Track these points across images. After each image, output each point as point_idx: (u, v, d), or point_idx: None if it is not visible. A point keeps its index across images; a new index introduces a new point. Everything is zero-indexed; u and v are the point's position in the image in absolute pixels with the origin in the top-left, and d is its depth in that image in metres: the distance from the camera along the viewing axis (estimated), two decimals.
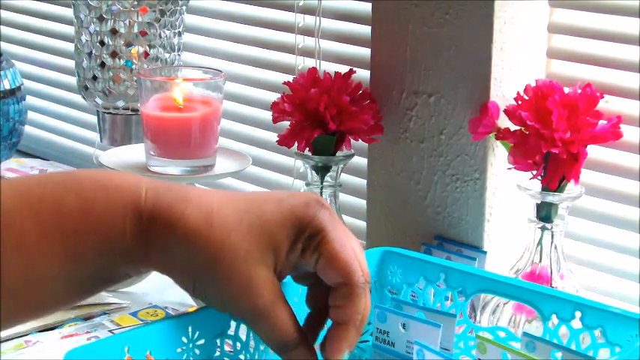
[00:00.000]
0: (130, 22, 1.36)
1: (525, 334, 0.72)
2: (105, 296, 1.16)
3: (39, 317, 0.66)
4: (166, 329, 0.66)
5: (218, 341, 0.69)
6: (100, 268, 0.63)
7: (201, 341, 0.67)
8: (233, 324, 0.69)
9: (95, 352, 0.62)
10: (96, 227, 0.61)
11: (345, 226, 0.65)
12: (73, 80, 1.56)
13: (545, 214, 0.99)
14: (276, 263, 0.63)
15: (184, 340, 0.67)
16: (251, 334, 0.70)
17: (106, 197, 0.62)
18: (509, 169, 1.02)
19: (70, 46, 1.62)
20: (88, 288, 0.64)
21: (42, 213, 0.61)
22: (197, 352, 0.67)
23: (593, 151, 1.02)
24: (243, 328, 0.69)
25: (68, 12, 1.55)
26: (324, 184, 1.16)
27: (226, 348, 0.69)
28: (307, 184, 1.17)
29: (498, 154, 1.09)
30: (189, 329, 0.67)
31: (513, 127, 1.01)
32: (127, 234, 0.62)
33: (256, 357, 0.70)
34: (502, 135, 1.02)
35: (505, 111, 1.02)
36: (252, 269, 0.61)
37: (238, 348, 0.70)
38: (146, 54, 1.37)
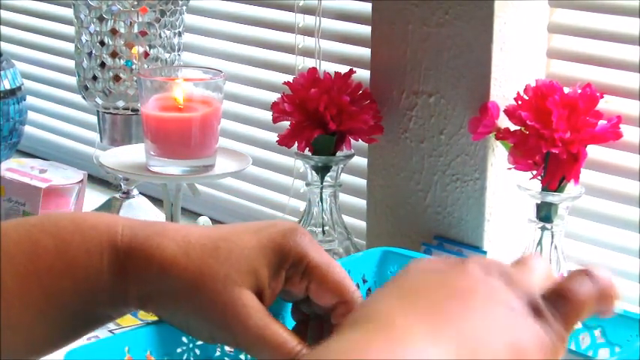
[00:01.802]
0: (130, 22, 1.36)
1: None
2: None
3: None
4: (167, 329, 0.66)
5: None
6: (78, 309, 0.62)
7: (201, 341, 0.67)
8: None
9: (95, 352, 0.62)
10: (72, 267, 0.61)
11: (320, 246, 0.64)
12: (73, 80, 1.56)
13: (545, 214, 0.99)
14: (257, 287, 0.61)
15: (184, 340, 0.67)
16: None
17: (82, 237, 0.62)
18: (509, 169, 1.02)
19: (70, 46, 1.62)
20: (69, 331, 0.64)
21: (18, 256, 0.61)
22: (197, 352, 0.67)
23: (593, 151, 1.02)
24: None
25: (68, 12, 1.55)
26: (324, 184, 1.16)
27: (226, 348, 0.69)
28: (307, 184, 1.17)
29: (498, 154, 1.09)
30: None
31: (513, 127, 1.01)
32: (104, 271, 0.61)
33: None
34: (502, 135, 1.02)
35: (505, 111, 1.02)
36: (234, 291, 0.60)
37: None
38: (146, 54, 1.37)
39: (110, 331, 1.08)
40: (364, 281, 0.77)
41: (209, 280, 0.60)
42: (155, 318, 0.65)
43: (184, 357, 0.67)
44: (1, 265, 0.60)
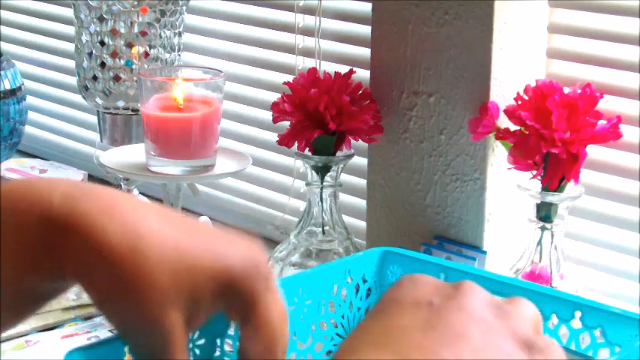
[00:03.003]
0: (130, 22, 1.36)
1: None
2: None
3: None
4: None
5: (218, 341, 0.68)
6: (21, 288, 0.58)
7: (201, 341, 0.67)
8: (233, 324, 0.68)
9: (95, 352, 0.62)
10: (5, 246, 0.56)
11: (275, 289, 0.59)
12: (73, 80, 1.56)
13: (545, 214, 0.99)
14: (190, 311, 0.57)
15: None
16: None
17: (12, 212, 0.57)
18: (509, 169, 1.02)
19: (70, 46, 1.62)
20: (15, 310, 0.60)
21: None
22: (197, 352, 0.67)
23: (593, 151, 1.02)
24: None
25: (68, 12, 1.55)
26: (324, 184, 1.16)
27: (226, 348, 0.69)
28: (307, 184, 1.17)
29: (498, 154, 1.09)
30: None
31: (513, 127, 1.01)
32: (37, 248, 0.56)
33: None
34: (502, 135, 1.02)
35: (505, 111, 1.02)
36: (165, 312, 0.55)
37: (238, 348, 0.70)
38: (146, 54, 1.37)
39: (110, 330, 1.08)
40: (364, 281, 0.77)
41: (144, 289, 0.55)
42: None
43: None
44: None
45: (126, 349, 0.63)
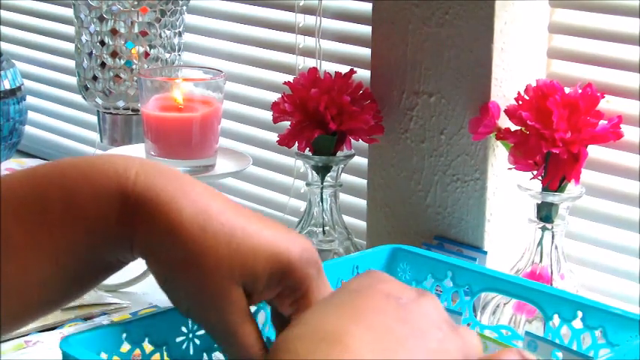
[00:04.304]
0: (130, 22, 1.36)
1: (528, 333, 0.72)
2: (105, 296, 1.16)
3: (42, 316, 0.65)
4: (166, 318, 0.66)
5: None
6: (91, 259, 0.62)
7: (202, 331, 0.68)
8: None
9: (93, 339, 0.62)
10: (81, 218, 0.60)
11: (327, 281, 0.63)
12: (73, 80, 1.56)
13: (545, 214, 0.99)
14: (249, 289, 0.61)
15: (184, 329, 0.67)
16: None
17: (90, 185, 0.60)
18: (510, 169, 1.02)
19: (70, 46, 1.62)
20: (83, 280, 0.63)
21: (26, 211, 0.60)
22: (197, 342, 0.68)
23: (594, 151, 1.02)
24: None
25: (68, 12, 1.55)
26: (324, 184, 1.16)
27: None
28: (307, 184, 1.17)
29: (499, 154, 1.09)
30: (189, 320, 0.67)
31: (514, 127, 1.01)
32: (112, 220, 0.60)
33: None
34: (502, 135, 1.02)
35: (505, 111, 1.02)
36: (228, 286, 0.60)
37: None
38: (146, 54, 1.37)
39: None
40: None
41: (212, 264, 0.59)
42: (153, 309, 0.65)
43: (184, 346, 0.67)
44: (10, 223, 0.60)
45: (123, 335, 0.64)
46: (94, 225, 0.60)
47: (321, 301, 0.58)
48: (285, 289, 0.61)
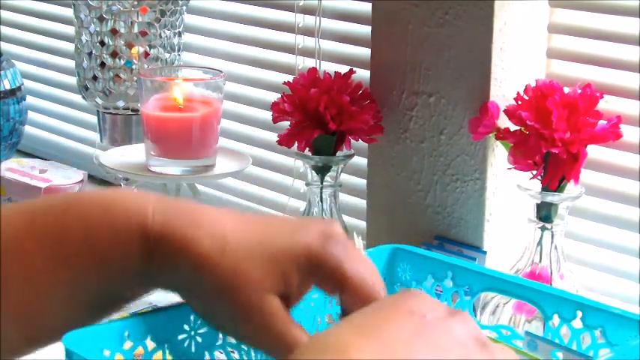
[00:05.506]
0: (130, 22, 1.36)
1: (528, 332, 0.72)
2: None
3: (51, 343, 0.65)
4: (168, 316, 0.66)
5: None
6: (108, 291, 0.63)
7: (203, 329, 0.68)
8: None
9: (95, 336, 0.62)
10: (101, 252, 0.61)
11: (356, 251, 0.64)
12: (73, 80, 1.56)
13: (545, 214, 0.99)
14: (285, 292, 0.61)
15: (186, 327, 0.67)
16: None
17: (110, 221, 0.61)
18: (509, 169, 1.02)
19: (70, 46, 1.62)
20: (98, 311, 0.64)
21: (47, 241, 0.61)
22: (199, 339, 0.68)
23: (593, 151, 1.02)
24: None
25: (68, 12, 1.55)
26: (324, 184, 1.16)
27: (229, 339, 0.69)
28: (307, 184, 1.17)
29: (498, 154, 1.09)
30: (192, 317, 0.67)
31: (513, 127, 1.01)
32: (133, 257, 0.61)
33: None
34: (502, 135, 1.02)
35: (505, 111, 1.02)
36: (263, 298, 0.60)
37: None
38: (146, 54, 1.37)
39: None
40: None
41: (242, 282, 0.60)
42: (157, 306, 0.65)
43: (186, 344, 0.67)
44: (32, 248, 0.61)
45: (126, 333, 0.64)
46: (113, 260, 0.61)
47: (349, 316, 0.58)
48: (321, 280, 0.62)
